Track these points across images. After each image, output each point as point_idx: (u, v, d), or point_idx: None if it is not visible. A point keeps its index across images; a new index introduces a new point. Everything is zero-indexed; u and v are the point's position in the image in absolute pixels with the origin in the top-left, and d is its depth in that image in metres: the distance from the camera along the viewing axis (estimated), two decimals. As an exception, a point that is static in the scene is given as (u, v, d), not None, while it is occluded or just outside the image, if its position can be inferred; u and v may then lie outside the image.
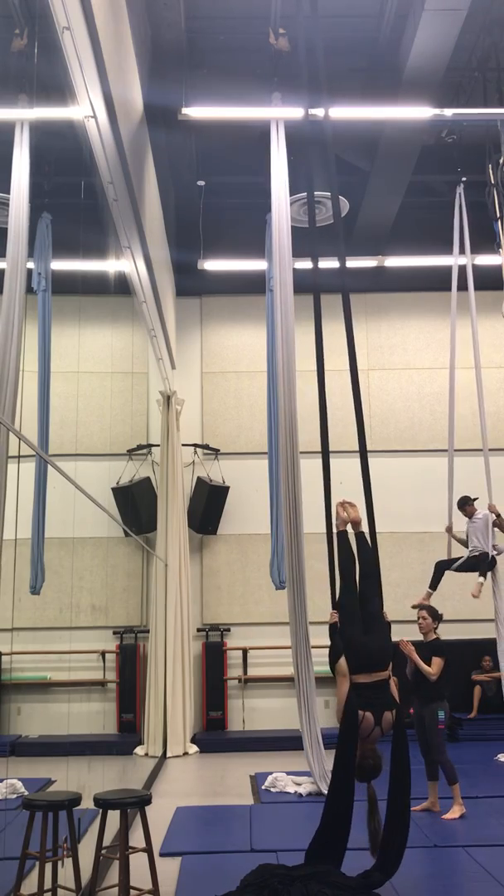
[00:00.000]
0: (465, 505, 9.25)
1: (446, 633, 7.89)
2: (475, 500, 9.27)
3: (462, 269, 9.63)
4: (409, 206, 11.19)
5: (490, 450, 9.40)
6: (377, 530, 5.60)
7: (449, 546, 9.45)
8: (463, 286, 9.67)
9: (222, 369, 12.40)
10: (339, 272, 5.97)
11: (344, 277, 6.00)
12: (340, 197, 10.01)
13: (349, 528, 5.56)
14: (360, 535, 5.51)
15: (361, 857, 4.93)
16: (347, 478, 13.43)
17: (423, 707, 6.99)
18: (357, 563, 5.46)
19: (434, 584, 9.10)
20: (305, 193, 9.62)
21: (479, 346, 9.58)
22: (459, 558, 9.21)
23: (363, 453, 5.76)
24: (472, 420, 10.05)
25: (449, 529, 9.42)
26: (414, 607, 7.93)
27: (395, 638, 8.56)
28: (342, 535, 5.47)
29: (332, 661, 5.11)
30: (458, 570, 9.18)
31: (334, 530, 5.49)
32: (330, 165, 6.18)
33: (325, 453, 5.75)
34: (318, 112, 6.30)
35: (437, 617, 7.31)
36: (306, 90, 6.18)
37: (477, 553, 9.01)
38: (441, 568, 9.24)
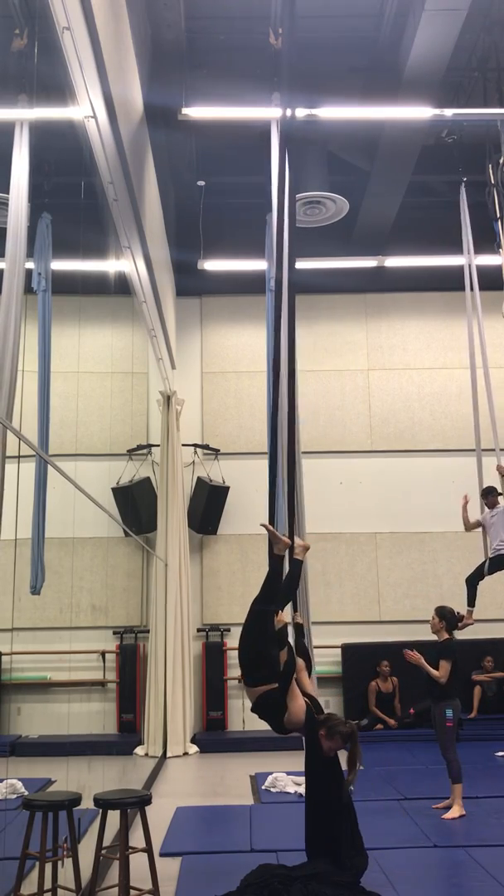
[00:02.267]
0: (489, 495, 9.08)
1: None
2: (500, 494, 9.16)
3: (468, 268, 9.60)
4: (409, 206, 11.19)
5: (498, 449, 9.36)
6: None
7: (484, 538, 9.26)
8: (469, 286, 9.65)
9: (222, 369, 12.40)
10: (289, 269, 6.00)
11: (291, 274, 6.00)
12: (340, 197, 10.06)
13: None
14: (300, 564, 5.47)
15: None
16: (347, 478, 13.47)
17: (435, 706, 7.03)
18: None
19: (471, 601, 8.96)
20: (305, 193, 9.68)
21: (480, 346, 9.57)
22: (483, 565, 9.08)
23: (291, 454, 5.71)
24: (472, 420, 10.02)
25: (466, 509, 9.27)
26: (463, 626, 7.86)
27: (400, 638, 8.62)
28: (280, 559, 5.35)
29: (294, 664, 5.06)
30: (490, 573, 9.04)
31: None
32: (283, 166, 6.17)
33: (292, 452, 5.72)
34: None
35: (445, 617, 7.24)
36: (287, 88, 6.20)
37: (499, 554, 8.91)
38: (472, 583, 9.07)
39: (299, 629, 5.62)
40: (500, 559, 8.86)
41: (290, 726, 5.02)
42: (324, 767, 5.00)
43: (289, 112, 6.17)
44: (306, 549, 5.61)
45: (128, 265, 7.75)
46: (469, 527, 9.15)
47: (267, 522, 5.40)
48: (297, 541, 5.57)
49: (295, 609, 5.47)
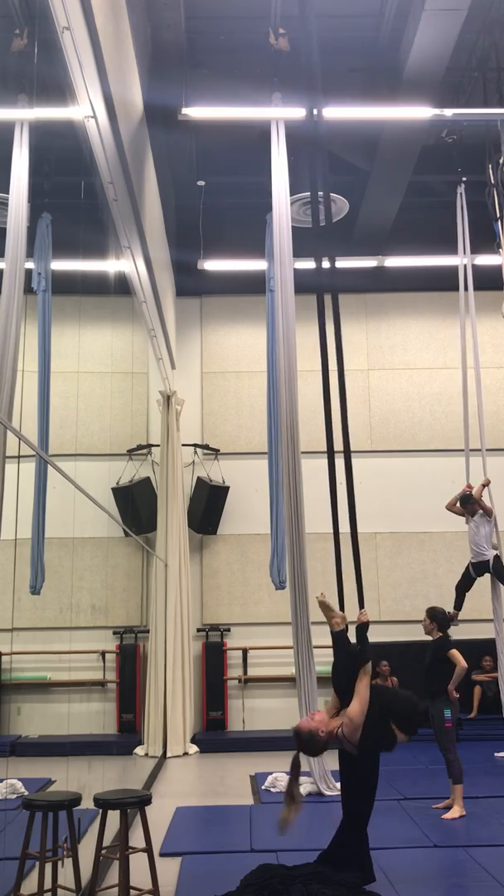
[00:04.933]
0: (468, 503, 9.19)
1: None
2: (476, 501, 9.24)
3: (463, 268, 9.63)
4: (409, 206, 11.19)
5: (489, 449, 9.40)
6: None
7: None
8: (463, 286, 9.67)
9: (222, 369, 12.40)
10: (331, 272, 5.97)
11: (333, 278, 5.98)
12: (340, 197, 10.05)
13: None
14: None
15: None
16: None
17: (433, 706, 7.05)
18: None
19: (458, 605, 9.02)
20: (305, 193, 9.68)
21: (480, 346, 9.59)
22: (468, 570, 9.13)
23: (347, 454, 5.69)
24: (472, 420, 10.03)
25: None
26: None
27: (399, 638, 8.49)
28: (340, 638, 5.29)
29: (366, 660, 5.01)
30: (478, 576, 9.10)
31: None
32: (324, 165, 6.17)
33: (331, 452, 5.71)
34: (316, 112, 6.30)
35: (436, 618, 7.29)
36: (305, 91, 6.20)
37: (482, 559, 8.98)
38: (461, 589, 9.16)
39: (365, 627, 5.26)
40: (483, 564, 8.99)
41: (359, 716, 4.79)
42: (369, 781, 4.97)
43: (314, 112, 6.14)
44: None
45: (128, 265, 7.75)
46: (453, 508, 9.35)
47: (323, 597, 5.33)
48: (359, 614, 5.29)
49: (361, 606, 5.33)
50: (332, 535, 5.57)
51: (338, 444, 5.96)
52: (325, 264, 6.14)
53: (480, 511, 9.10)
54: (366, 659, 5.00)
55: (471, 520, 9.19)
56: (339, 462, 5.99)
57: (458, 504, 9.32)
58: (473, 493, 9.16)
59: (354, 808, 4.99)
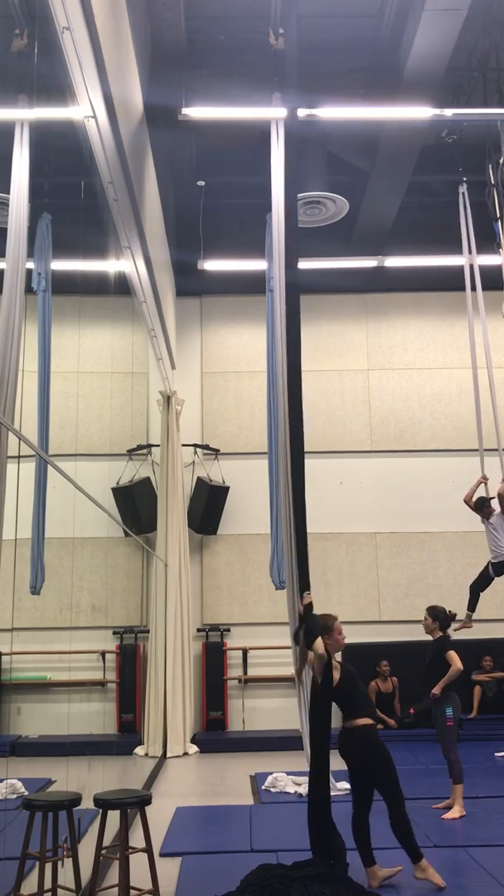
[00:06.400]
0: (484, 506, 9.13)
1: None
2: (492, 498, 9.19)
3: (469, 268, 9.61)
4: (409, 206, 11.19)
5: (491, 449, 9.36)
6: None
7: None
8: (464, 286, 9.66)
9: (222, 369, 12.40)
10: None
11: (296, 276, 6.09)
12: (340, 197, 10.06)
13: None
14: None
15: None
16: (347, 478, 13.46)
17: (435, 706, 7.04)
18: None
19: (472, 606, 8.97)
20: (305, 193, 9.69)
21: (478, 346, 9.58)
22: (487, 570, 9.09)
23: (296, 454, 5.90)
24: (474, 419, 10.02)
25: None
26: (460, 628, 8.03)
27: (399, 638, 8.45)
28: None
29: (315, 638, 5.60)
30: (497, 576, 9.04)
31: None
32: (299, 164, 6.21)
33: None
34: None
35: (438, 618, 7.27)
36: (296, 90, 6.23)
37: (503, 559, 8.94)
38: (475, 589, 9.10)
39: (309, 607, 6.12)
40: (500, 566, 8.91)
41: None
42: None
43: (297, 112, 6.18)
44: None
45: (128, 265, 7.75)
46: (469, 502, 9.18)
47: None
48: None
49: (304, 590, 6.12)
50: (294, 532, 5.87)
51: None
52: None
53: (496, 511, 9.03)
54: (312, 630, 5.68)
55: (487, 521, 9.13)
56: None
57: (473, 500, 9.24)
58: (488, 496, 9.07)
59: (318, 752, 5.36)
